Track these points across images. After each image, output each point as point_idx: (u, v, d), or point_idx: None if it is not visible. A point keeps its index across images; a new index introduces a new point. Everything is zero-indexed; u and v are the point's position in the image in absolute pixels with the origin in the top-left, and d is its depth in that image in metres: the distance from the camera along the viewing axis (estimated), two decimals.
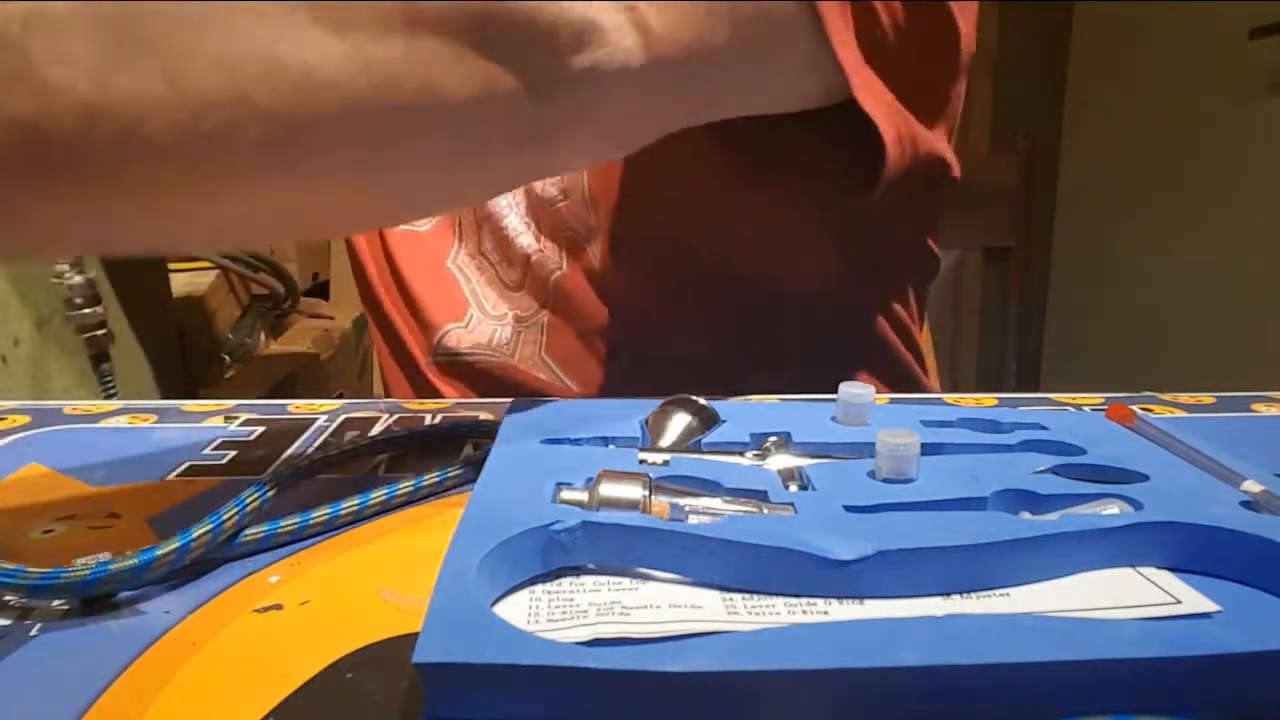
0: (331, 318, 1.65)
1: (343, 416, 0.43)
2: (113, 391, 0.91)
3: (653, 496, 0.25)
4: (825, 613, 0.22)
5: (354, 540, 0.29)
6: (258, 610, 0.24)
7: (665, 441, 0.31)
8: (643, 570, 0.23)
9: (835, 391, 0.34)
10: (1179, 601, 0.22)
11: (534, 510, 0.24)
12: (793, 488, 0.27)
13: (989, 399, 0.45)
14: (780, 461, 0.30)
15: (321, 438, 0.40)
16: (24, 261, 1.01)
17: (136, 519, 0.30)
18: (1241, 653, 0.18)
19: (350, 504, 0.30)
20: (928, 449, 0.30)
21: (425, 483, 0.32)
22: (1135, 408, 0.34)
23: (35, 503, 0.32)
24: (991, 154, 1.81)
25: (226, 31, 0.24)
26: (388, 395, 0.64)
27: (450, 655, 0.17)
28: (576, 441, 0.32)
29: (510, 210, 0.57)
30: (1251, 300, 1.80)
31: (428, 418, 0.42)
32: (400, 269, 0.59)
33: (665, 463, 0.28)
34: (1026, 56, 2.02)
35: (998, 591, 0.23)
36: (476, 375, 0.57)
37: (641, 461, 0.29)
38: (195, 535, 0.26)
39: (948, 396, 0.46)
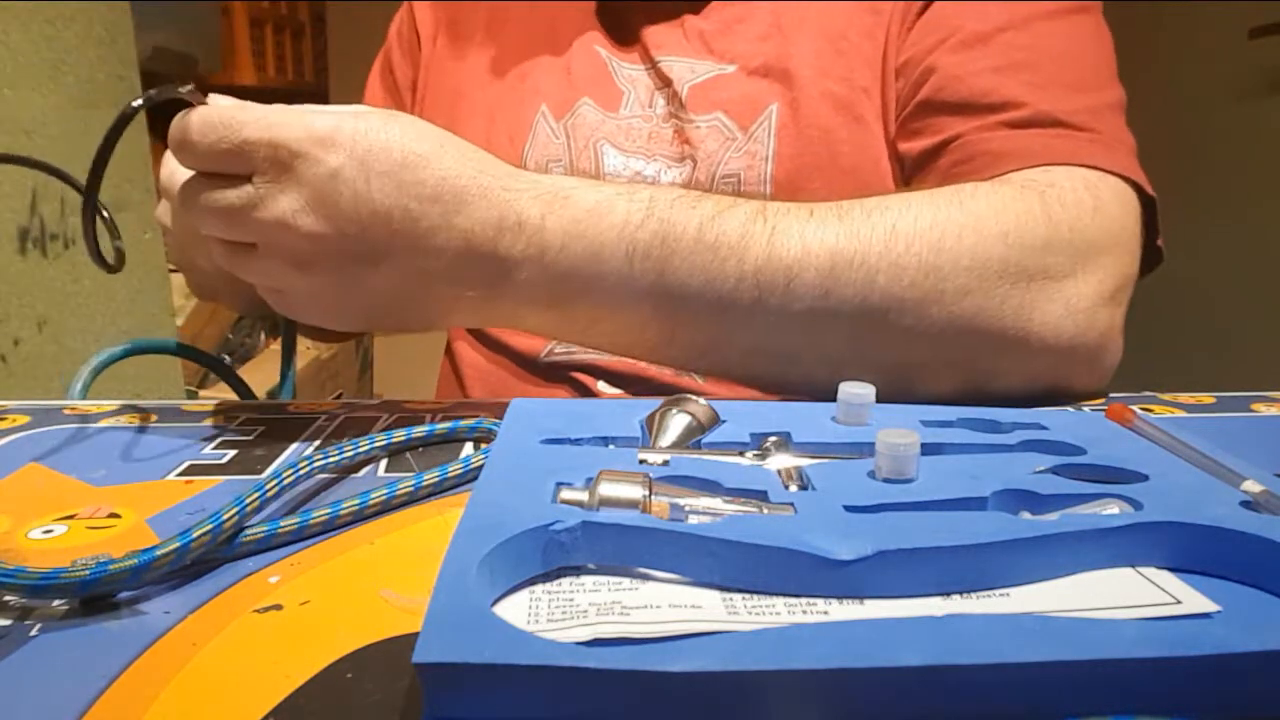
0: None
1: (343, 416, 0.43)
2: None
3: (653, 496, 0.25)
4: (825, 613, 0.22)
5: (354, 540, 0.29)
6: (258, 610, 0.24)
7: (665, 441, 0.31)
8: (643, 570, 0.23)
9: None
10: (1179, 601, 0.22)
11: (534, 510, 0.24)
12: (793, 488, 0.27)
13: None
14: (780, 461, 0.30)
15: (321, 438, 0.40)
16: (23, 262, 1.01)
17: (136, 519, 0.30)
18: (1241, 653, 0.18)
19: (350, 504, 0.30)
20: (928, 449, 0.30)
21: (425, 483, 0.32)
22: (1135, 408, 0.34)
23: (35, 503, 0.32)
24: None
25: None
26: (459, 391, 0.64)
27: (450, 655, 0.17)
28: (576, 441, 0.32)
29: None
30: (1252, 300, 1.81)
31: (428, 418, 0.42)
32: None
33: (665, 463, 0.28)
34: None
35: (998, 591, 0.23)
36: (600, 371, 0.57)
37: (641, 461, 0.29)
38: (195, 535, 0.26)
39: None
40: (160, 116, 0.38)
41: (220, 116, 0.36)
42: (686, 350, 0.43)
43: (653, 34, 0.60)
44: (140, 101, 0.35)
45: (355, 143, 0.36)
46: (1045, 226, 0.43)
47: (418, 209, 0.37)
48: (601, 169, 0.58)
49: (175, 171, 0.39)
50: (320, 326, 0.41)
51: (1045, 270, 0.42)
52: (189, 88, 0.37)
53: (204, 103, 0.37)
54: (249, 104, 0.37)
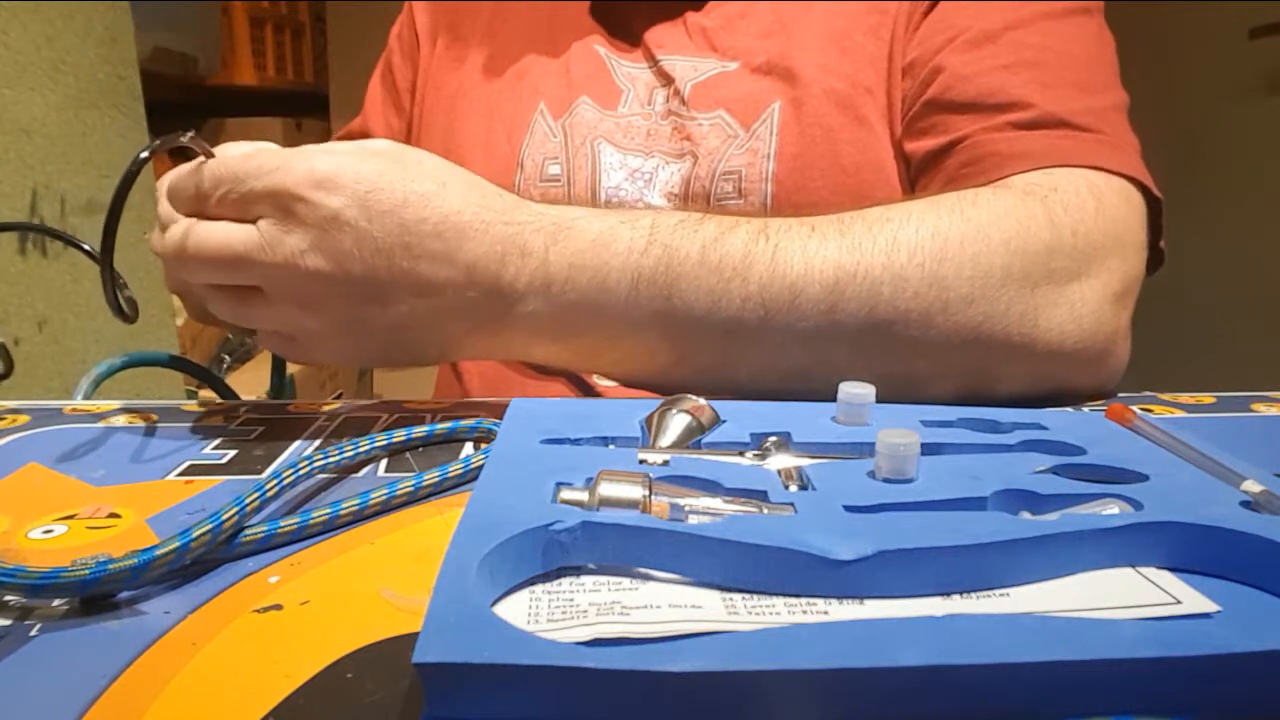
0: None
1: (343, 416, 0.43)
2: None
3: (653, 496, 0.25)
4: (825, 613, 0.22)
5: (354, 540, 0.29)
6: (258, 610, 0.24)
7: (665, 441, 0.31)
8: (643, 570, 0.23)
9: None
10: (1179, 601, 0.22)
11: (534, 510, 0.24)
12: (793, 488, 0.27)
13: None
14: (780, 461, 0.30)
15: (321, 438, 0.40)
16: (23, 262, 1.01)
17: (136, 519, 0.30)
18: (1241, 653, 0.18)
19: (350, 504, 0.30)
20: (928, 449, 0.30)
21: (425, 483, 0.32)
22: (1135, 408, 0.34)
23: (35, 503, 0.32)
24: None
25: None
26: (458, 387, 0.64)
27: (450, 655, 0.17)
28: (576, 441, 0.32)
29: (661, 203, 0.58)
30: (1252, 300, 1.81)
31: (428, 418, 0.42)
32: None
33: (665, 463, 0.28)
34: None
35: (998, 591, 0.23)
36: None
37: (641, 461, 0.29)
38: (195, 535, 0.26)
39: None
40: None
41: (225, 169, 0.37)
42: (696, 373, 0.43)
43: (654, 33, 0.60)
44: (146, 154, 0.36)
45: (356, 184, 0.37)
46: (1048, 231, 0.43)
47: (419, 246, 0.37)
48: (598, 166, 0.58)
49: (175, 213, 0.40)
50: (329, 364, 0.42)
51: (1049, 275, 0.42)
52: (190, 134, 0.37)
53: (209, 151, 0.38)
54: (255, 152, 0.38)
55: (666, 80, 0.59)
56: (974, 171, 0.49)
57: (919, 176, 0.54)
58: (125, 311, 0.39)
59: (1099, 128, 0.49)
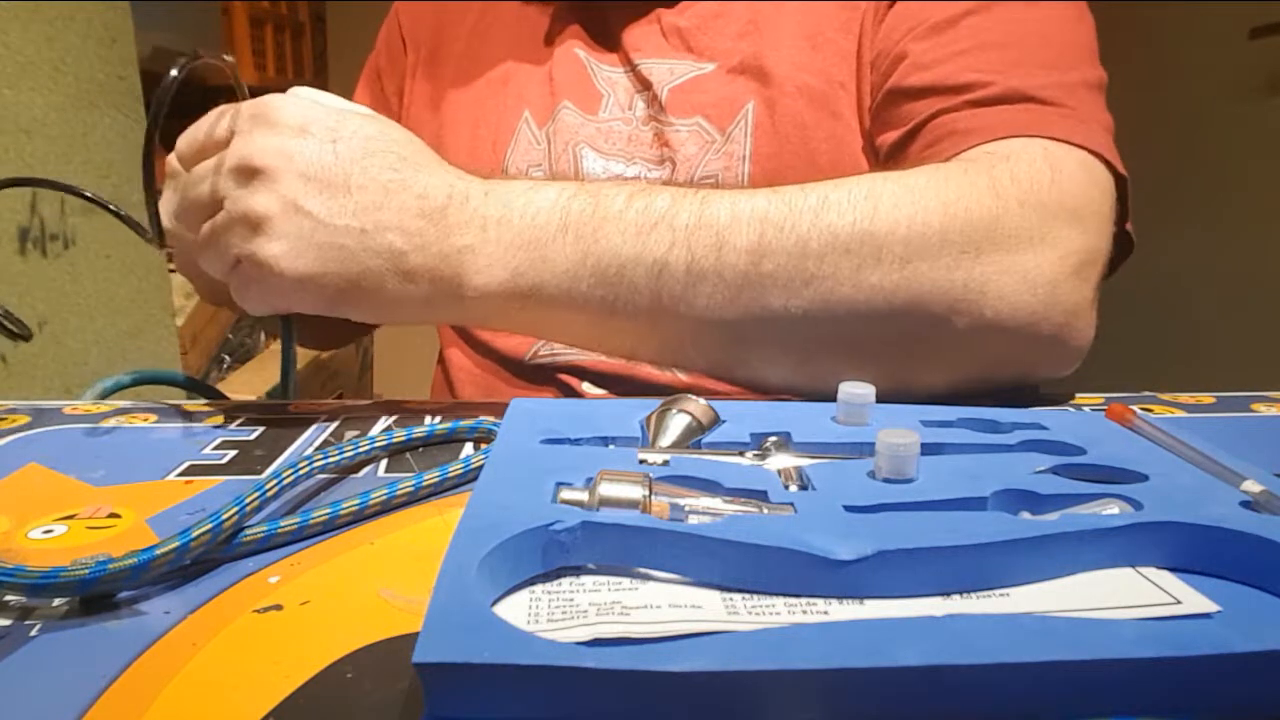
0: None
1: (343, 416, 0.43)
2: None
3: (653, 496, 0.25)
4: (825, 613, 0.22)
5: (354, 540, 0.29)
6: (258, 610, 0.24)
7: (665, 441, 0.31)
8: (643, 570, 0.23)
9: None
10: (1179, 601, 0.22)
11: (534, 510, 0.24)
12: (793, 488, 0.27)
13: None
14: (780, 461, 0.30)
15: (321, 437, 0.40)
16: (23, 262, 1.01)
17: (136, 519, 0.30)
18: (1241, 653, 0.18)
19: (350, 504, 0.30)
20: (928, 449, 0.30)
21: (425, 483, 0.32)
22: (1135, 408, 0.34)
23: (35, 503, 0.32)
24: None
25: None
26: (451, 396, 0.64)
27: (450, 655, 0.17)
28: (576, 441, 0.32)
29: None
30: (1251, 300, 1.81)
31: (428, 418, 0.42)
32: None
33: (665, 463, 0.28)
34: None
35: (998, 591, 0.23)
36: (585, 372, 0.57)
37: (641, 461, 0.29)
38: (195, 535, 0.26)
39: None
40: (163, 123, 0.40)
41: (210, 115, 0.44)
42: (629, 326, 0.42)
43: (631, 35, 0.60)
44: (180, 68, 0.40)
45: (329, 108, 0.42)
46: (990, 198, 0.42)
47: (377, 167, 0.41)
48: (580, 172, 0.58)
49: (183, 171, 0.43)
50: (300, 283, 0.41)
51: (995, 243, 0.41)
52: (230, 59, 0.45)
53: (242, 88, 0.45)
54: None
55: (644, 85, 0.58)
56: (934, 154, 0.48)
57: (887, 165, 0.53)
58: (159, 239, 0.43)
59: (1065, 101, 0.47)
